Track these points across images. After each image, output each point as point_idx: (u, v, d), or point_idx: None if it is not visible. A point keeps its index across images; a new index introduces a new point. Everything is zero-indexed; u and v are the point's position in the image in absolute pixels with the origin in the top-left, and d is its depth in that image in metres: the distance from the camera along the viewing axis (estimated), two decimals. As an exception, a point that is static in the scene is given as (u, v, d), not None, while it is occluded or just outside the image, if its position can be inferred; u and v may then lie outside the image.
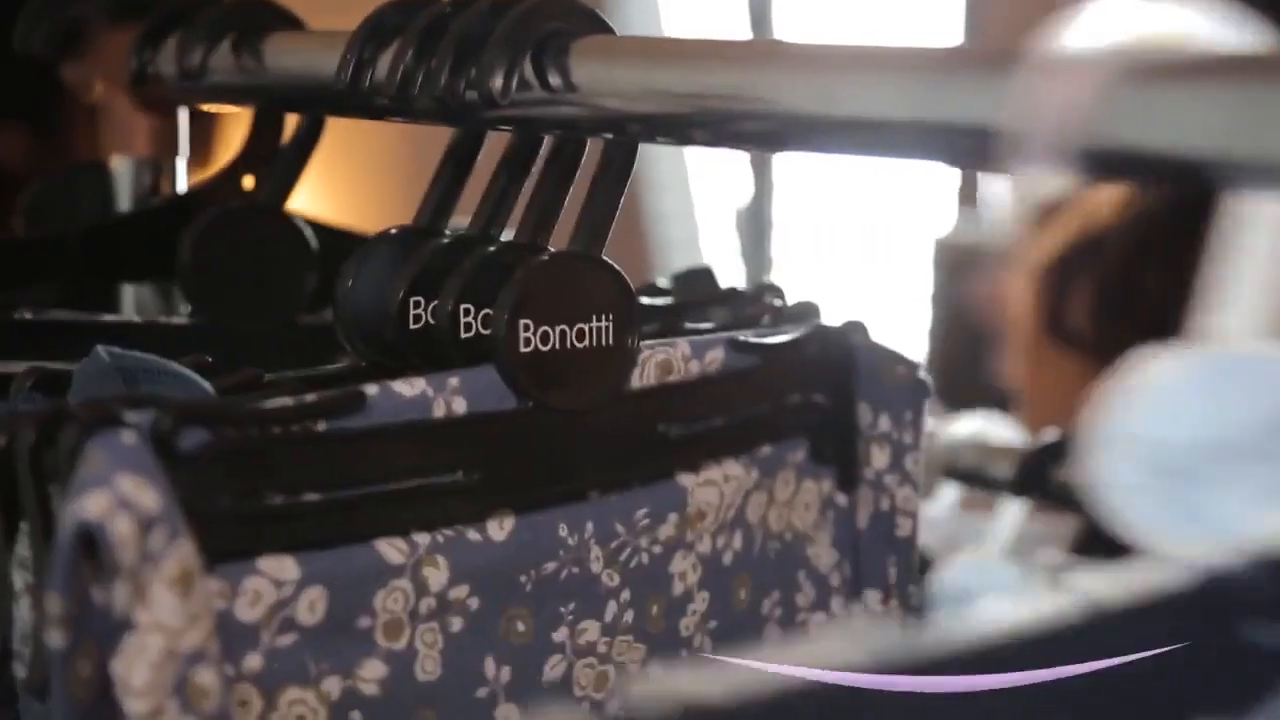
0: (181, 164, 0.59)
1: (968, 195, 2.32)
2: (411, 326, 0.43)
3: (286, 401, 0.37)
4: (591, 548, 0.43)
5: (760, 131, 0.38)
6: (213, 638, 0.34)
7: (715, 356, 0.46)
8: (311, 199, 0.59)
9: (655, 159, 2.12)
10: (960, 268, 1.77)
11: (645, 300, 0.53)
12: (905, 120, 0.35)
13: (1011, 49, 0.34)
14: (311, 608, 0.37)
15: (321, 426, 0.37)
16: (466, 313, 0.42)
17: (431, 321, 0.42)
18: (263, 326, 0.52)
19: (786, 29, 2.31)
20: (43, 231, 0.57)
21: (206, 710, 0.34)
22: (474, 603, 0.41)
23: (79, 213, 0.59)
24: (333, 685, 0.38)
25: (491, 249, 0.43)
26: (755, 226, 2.39)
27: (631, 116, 0.41)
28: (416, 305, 0.43)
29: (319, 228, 0.55)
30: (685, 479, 0.45)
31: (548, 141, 0.44)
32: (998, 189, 2.15)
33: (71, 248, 0.54)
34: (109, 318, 0.51)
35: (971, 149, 0.35)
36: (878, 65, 0.36)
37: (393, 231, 0.45)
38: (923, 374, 0.50)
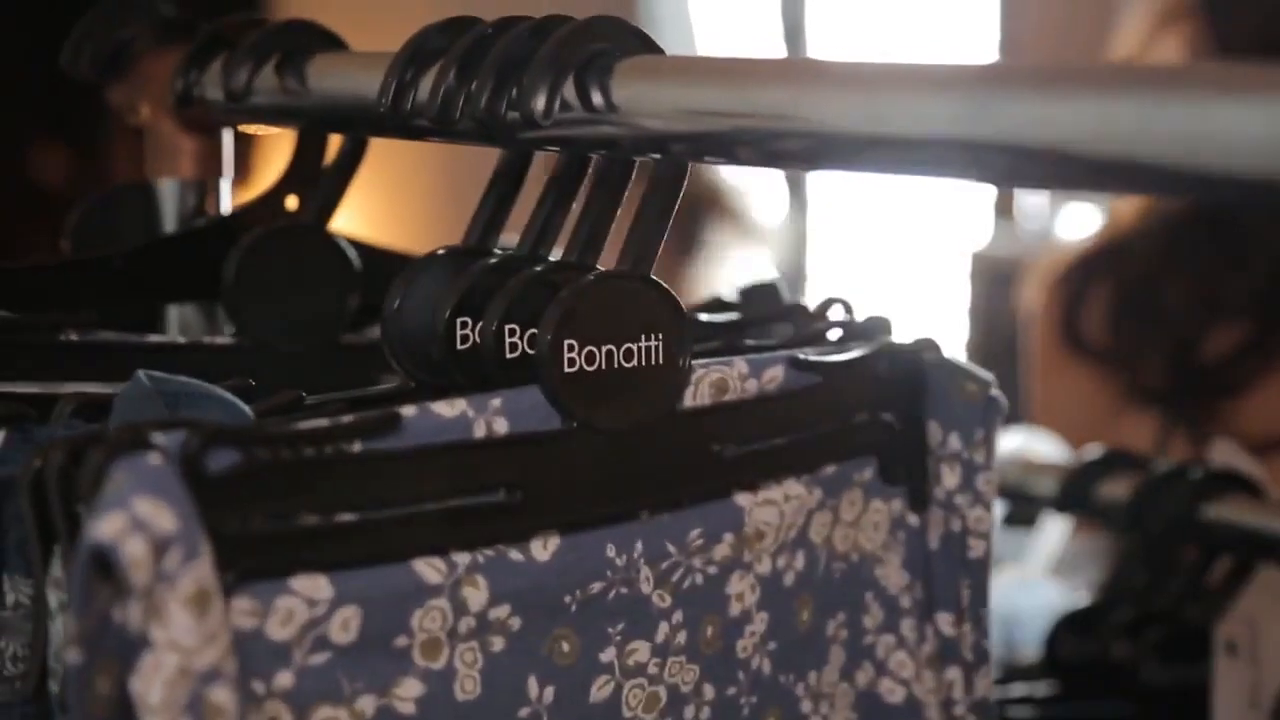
0: (226, 185, 0.60)
1: (1004, 208, 2.31)
2: (459, 347, 0.43)
3: (320, 422, 0.37)
4: (641, 568, 0.43)
5: (803, 150, 0.38)
6: (230, 657, 0.35)
7: (774, 375, 0.45)
8: (355, 219, 0.60)
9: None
10: (997, 281, 1.76)
11: (705, 317, 0.53)
12: (948, 139, 0.35)
13: (1049, 64, 0.34)
14: (345, 626, 0.37)
15: (357, 447, 0.37)
16: (512, 333, 0.42)
17: (478, 341, 0.42)
18: (306, 347, 0.53)
19: (820, 40, 2.30)
20: (89, 253, 0.58)
21: None
22: (516, 623, 0.40)
23: (124, 234, 0.59)
24: (367, 704, 0.38)
25: (538, 269, 0.43)
26: (792, 242, 2.38)
27: (673, 136, 0.41)
28: (464, 325, 0.43)
29: (362, 248, 0.55)
30: (742, 499, 0.45)
31: (596, 161, 0.44)
32: (1035, 201, 2.14)
33: (117, 269, 0.55)
34: (154, 339, 0.52)
35: (1014, 167, 0.35)
36: (920, 83, 0.36)
37: (440, 251, 0.45)
38: (995, 391, 0.49)
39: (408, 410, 0.39)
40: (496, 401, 0.40)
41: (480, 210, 0.46)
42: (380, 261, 0.55)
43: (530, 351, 0.42)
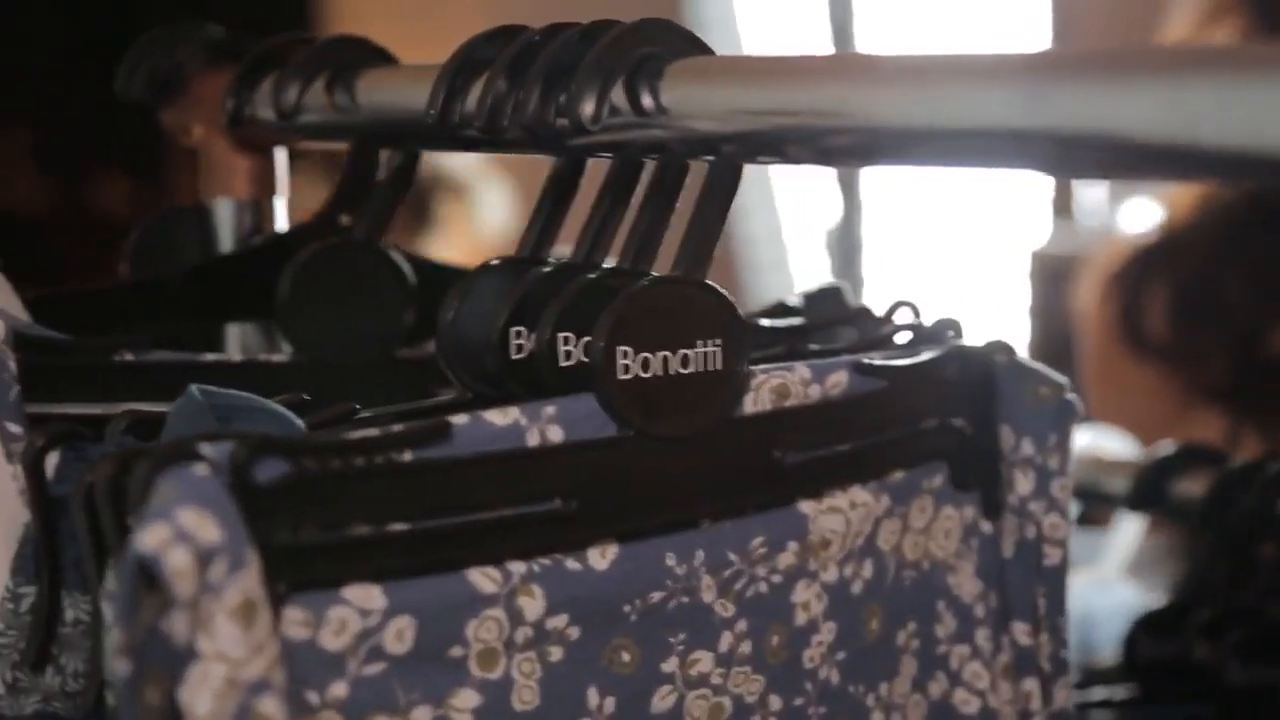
0: (280, 203, 0.60)
1: (1063, 205, 2.28)
2: (513, 356, 0.42)
3: (370, 432, 0.37)
4: (702, 577, 0.42)
5: (857, 146, 0.38)
6: (278, 667, 0.34)
7: (838, 380, 0.44)
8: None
9: (741, 182, 2.11)
10: (1058, 279, 1.74)
11: (768, 322, 0.53)
12: (1006, 128, 0.35)
13: (1107, 49, 0.33)
14: (400, 637, 0.37)
15: (408, 457, 0.37)
16: (566, 341, 0.41)
17: (533, 350, 0.42)
18: (362, 362, 0.53)
19: (868, 40, 2.29)
20: (146, 274, 0.58)
21: None
22: (574, 632, 0.40)
23: (181, 255, 0.59)
24: (423, 715, 0.38)
25: (591, 276, 0.42)
26: (846, 246, 2.37)
27: (725, 137, 0.40)
28: (518, 335, 0.42)
29: (416, 261, 0.55)
30: (806, 506, 0.44)
31: (649, 167, 0.43)
32: (1094, 197, 2.11)
33: (174, 289, 0.55)
34: (209, 357, 0.52)
35: (1073, 156, 0.34)
36: (975, 73, 0.35)
37: (495, 262, 0.45)
38: (1069, 395, 0.48)
39: (459, 419, 0.38)
40: (550, 409, 0.40)
41: (533, 220, 0.46)
42: (435, 275, 0.55)
43: (586, 360, 0.41)
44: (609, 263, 0.44)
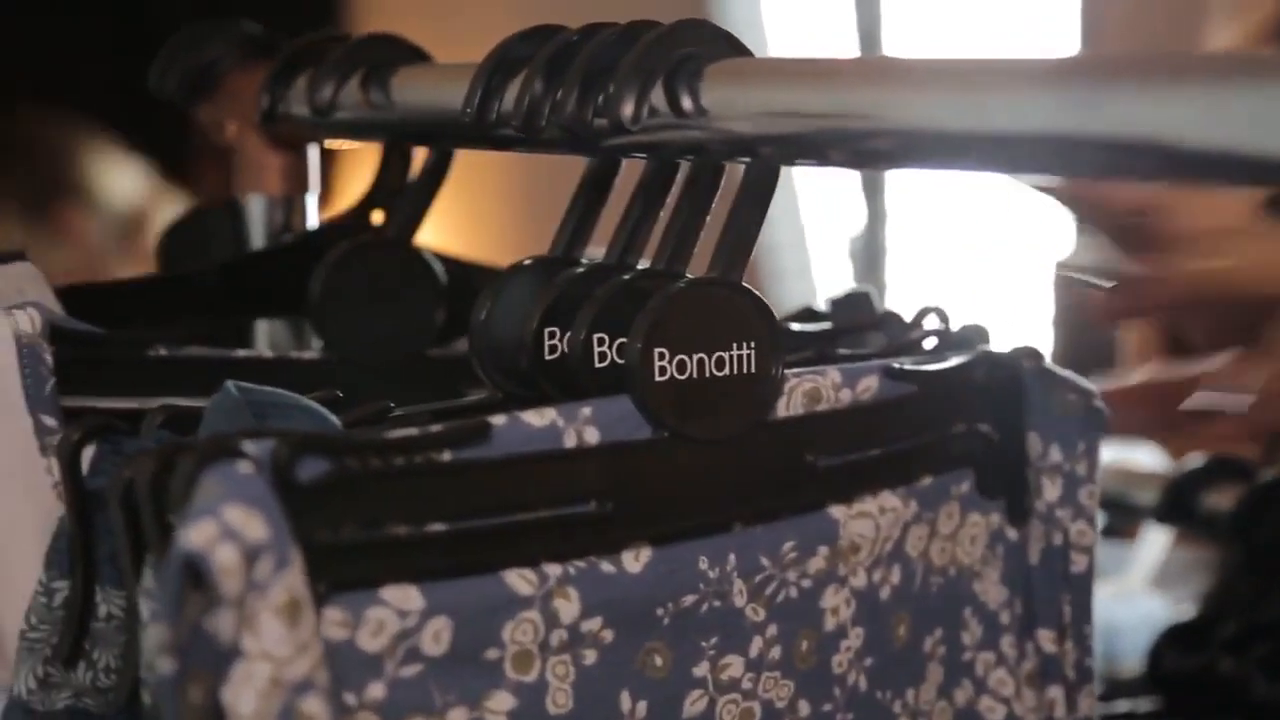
0: (312, 200, 0.60)
1: (1088, 217, 2.27)
2: (547, 357, 0.42)
3: (410, 432, 0.37)
4: (734, 581, 0.42)
5: (895, 149, 0.38)
6: (321, 667, 0.34)
7: (869, 385, 0.44)
8: (441, 233, 0.59)
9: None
10: (1083, 291, 1.73)
11: (797, 326, 0.52)
12: (1047, 134, 0.34)
13: (1149, 54, 0.33)
14: (437, 638, 0.37)
15: (447, 457, 0.37)
16: (601, 342, 0.41)
17: (566, 351, 0.42)
18: (393, 360, 0.53)
19: (896, 44, 2.29)
20: (178, 270, 0.58)
21: None
22: (608, 635, 0.40)
23: (213, 251, 0.60)
24: (459, 716, 0.38)
25: (626, 277, 0.42)
26: (869, 254, 2.37)
27: (762, 139, 0.40)
28: (552, 335, 0.42)
29: (447, 261, 0.55)
30: (837, 511, 0.44)
31: (685, 168, 0.43)
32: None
33: (206, 285, 0.55)
34: (241, 353, 0.52)
35: (1115, 161, 0.34)
36: (1016, 77, 0.35)
37: (528, 262, 0.45)
38: (1097, 402, 0.48)
39: (497, 419, 0.38)
40: (587, 410, 0.40)
41: (567, 220, 0.46)
42: (467, 274, 0.55)
43: (620, 361, 0.41)
44: (642, 264, 0.44)
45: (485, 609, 0.38)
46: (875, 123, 0.38)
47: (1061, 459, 0.48)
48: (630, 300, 0.41)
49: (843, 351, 0.50)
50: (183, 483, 0.34)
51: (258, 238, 0.59)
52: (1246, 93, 0.31)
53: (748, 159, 0.41)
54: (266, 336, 0.59)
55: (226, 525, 0.33)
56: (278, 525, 0.34)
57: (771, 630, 0.43)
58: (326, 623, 0.36)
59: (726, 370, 0.41)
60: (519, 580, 0.38)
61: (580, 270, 0.44)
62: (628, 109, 0.40)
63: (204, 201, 0.61)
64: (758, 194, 0.41)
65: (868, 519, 0.44)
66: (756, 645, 0.43)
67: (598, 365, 0.41)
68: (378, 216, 0.56)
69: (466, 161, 0.53)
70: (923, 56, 0.38)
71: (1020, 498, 0.48)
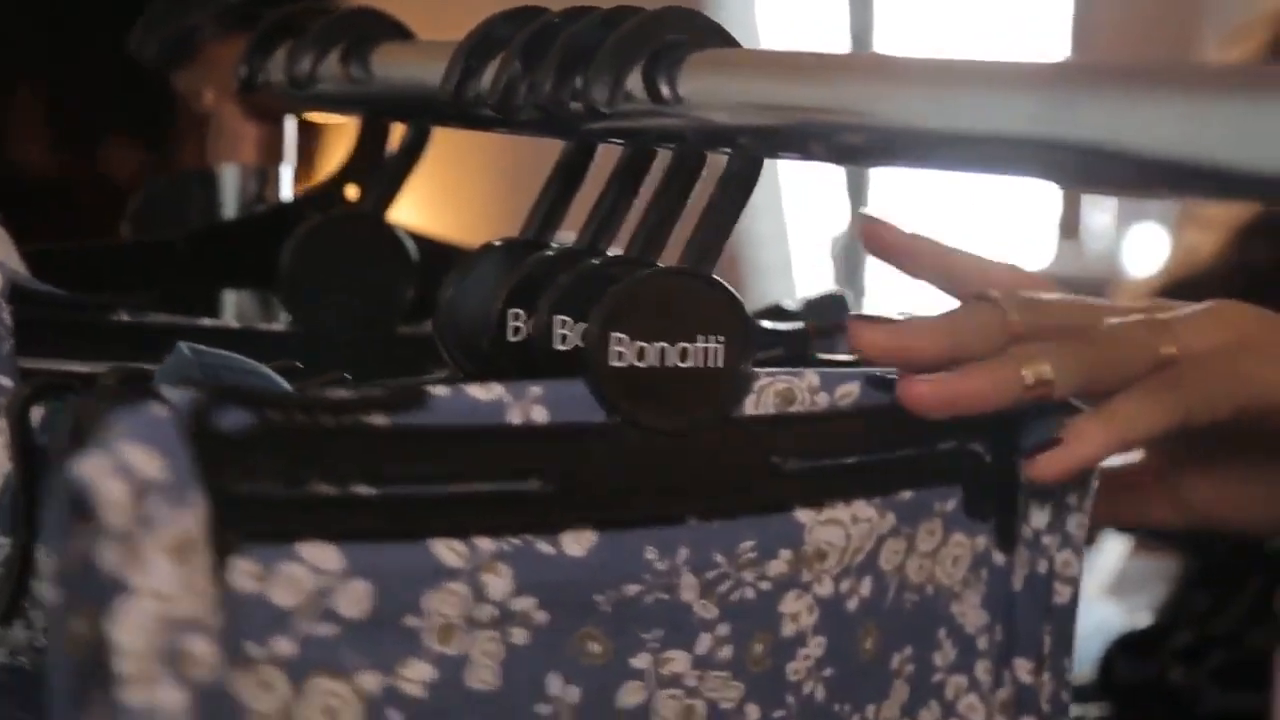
0: (288, 172, 0.60)
1: (1069, 228, 2.28)
2: (509, 338, 0.42)
3: (340, 393, 0.37)
4: (684, 575, 0.41)
5: (872, 145, 0.37)
6: (214, 610, 0.34)
7: (849, 391, 0.43)
8: (418, 212, 0.59)
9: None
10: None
11: (768, 324, 0.52)
12: (1025, 136, 0.34)
13: (1130, 63, 0.33)
14: (354, 600, 0.37)
15: (380, 420, 0.37)
16: (563, 325, 0.41)
17: (528, 333, 0.42)
18: (360, 336, 0.52)
19: (887, 39, 2.29)
20: (150, 237, 0.58)
21: (195, 679, 0.34)
22: (541, 616, 0.40)
23: (186, 219, 0.59)
24: (371, 681, 0.38)
25: (594, 262, 0.42)
26: (850, 254, 2.37)
27: (740, 130, 0.40)
28: (515, 317, 0.42)
29: (421, 240, 0.55)
30: (803, 515, 0.43)
31: (665, 156, 0.43)
32: (1101, 221, 2.11)
33: (177, 253, 0.55)
34: (206, 322, 0.52)
35: (1091, 168, 0.34)
36: (996, 79, 0.35)
37: (497, 243, 0.44)
38: None
39: (440, 390, 0.38)
40: (537, 390, 0.39)
41: (540, 203, 0.46)
42: (439, 254, 0.55)
43: (583, 345, 0.41)
44: (614, 251, 0.44)
45: (408, 576, 0.38)
46: (853, 118, 0.38)
47: (1051, 484, 0.46)
48: (596, 285, 0.41)
49: (821, 355, 0.50)
50: (90, 420, 0.34)
51: (230, 207, 0.59)
52: (1217, 105, 0.31)
53: (727, 149, 0.41)
54: (237, 307, 0.59)
55: (120, 460, 0.33)
56: (177, 467, 0.34)
57: (723, 629, 0.42)
58: (237, 572, 0.36)
59: (690, 362, 0.40)
60: (447, 551, 0.38)
61: (549, 253, 0.44)
62: (603, 93, 0.40)
63: (178, 170, 0.60)
64: (738, 186, 0.41)
65: (837, 526, 0.44)
66: (705, 642, 0.42)
67: (558, 348, 0.41)
68: (353, 191, 0.56)
69: (450, 142, 0.53)
70: (907, 54, 0.38)
71: (1009, 522, 0.47)
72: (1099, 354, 0.45)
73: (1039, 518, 0.47)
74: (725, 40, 0.41)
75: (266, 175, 0.59)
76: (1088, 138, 0.33)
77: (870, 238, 0.53)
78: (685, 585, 0.41)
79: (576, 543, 0.40)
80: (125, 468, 0.33)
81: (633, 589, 0.41)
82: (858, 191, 2.34)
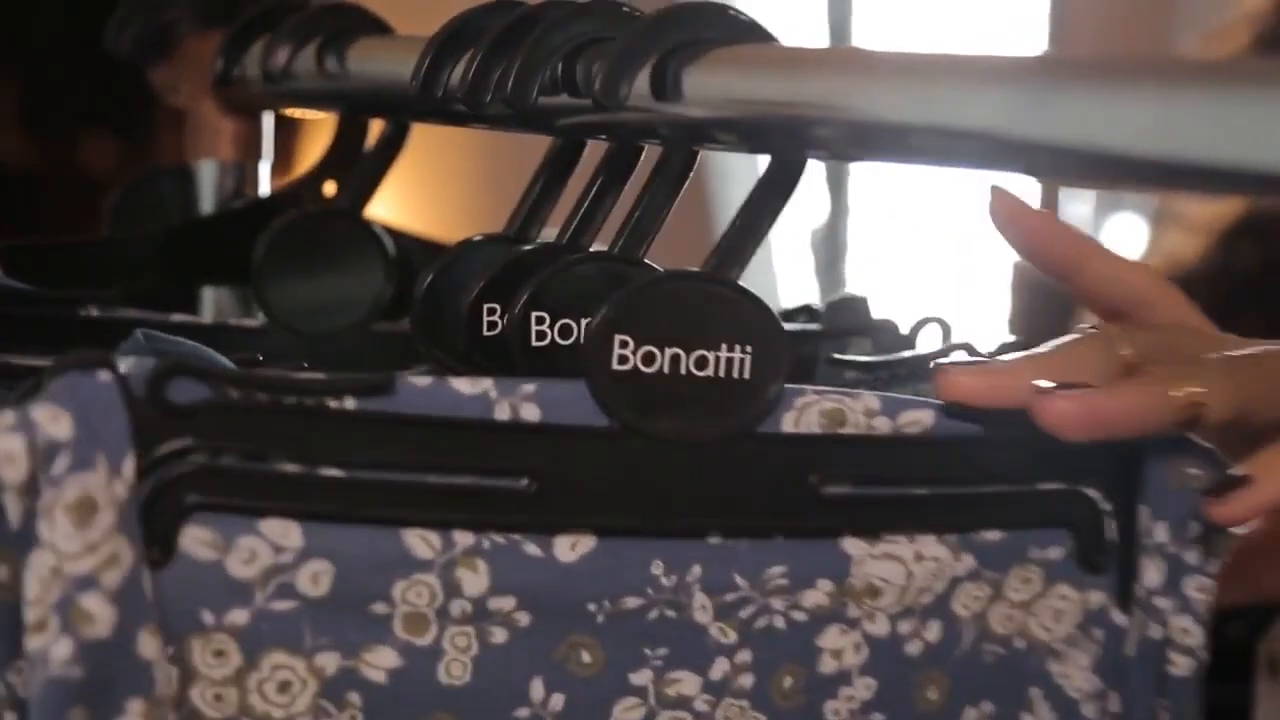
0: (265, 168, 0.60)
1: (1048, 219, 2.28)
2: (485, 333, 0.42)
3: (306, 375, 0.37)
4: (695, 594, 0.40)
5: (842, 139, 0.37)
6: (113, 569, 0.35)
7: (918, 418, 0.40)
8: (398, 208, 0.59)
9: (726, 176, 2.12)
10: (1039, 293, 1.75)
11: (790, 327, 0.50)
12: (999, 131, 0.34)
13: (1103, 58, 0.33)
14: (315, 580, 0.37)
15: (350, 404, 0.37)
16: (540, 320, 0.41)
17: (504, 328, 0.42)
18: (336, 332, 0.52)
19: (866, 35, 2.29)
20: (125, 232, 0.58)
21: (86, 635, 0.35)
22: (523, 618, 0.39)
23: (163, 215, 0.59)
24: (329, 661, 0.38)
25: (573, 257, 0.42)
26: (830, 247, 2.37)
27: (720, 124, 0.39)
28: (491, 311, 0.42)
29: (402, 237, 0.54)
30: (851, 545, 0.40)
31: (653, 152, 0.42)
32: (1078, 213, 2.12)
33: (152, 248, 0.54)
34: (176, 317, 0.52)
35: (1065, 162, 0.34)
36: (971, 74, 0.35)
37: (477, 238, 0.44)
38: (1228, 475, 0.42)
39: (420, 381, 0.38)
40: (529, 388, 0.39)
41: (524, 199, 0.46)
42: (418, 251, 0.55)
43: (561, 341, 0.41)
44: (597, 246, 0.44)
45: (374, 562, 0.38)
46: (828, 112, 0.37)
47: (1167, 539, 0.42)
48: (575, 281, 0.41)
49: (835, 356, 0.48)
50: (32, 386, 0.35)
51: (207, 203, 0.59)
52: (1188, 100, 0.31)
53: (709, 145, 0.40)
54: (214, 303, 0.58)
55: (27, 418, 0.34)
56: (93, 429, 0.35)
57: (744, 656, 0.41)
58: (192, 540, 0.37)
59: (709, 371, 0.38)
60: (418, 541, 0.38)
61: (526, 248, 0.43)
62: (574, 86, 0.40)
63: (156, 165, 0.60)
64: (775, 191, 0.39)
65: (895, 563, 0.41)
66: (720, 667, 0.41)
67: (534, 344, 0.41)
68: (330, 187, 0.55)
69: (429, 138, 0.53)
70: (884, 49, 0.38)
71: (1129, 579, 0.42)
72: (1252, 376, 0.41)
73: (1151, 576, 0.42)
74: (717, 33, 0.39)
75: (243, 171, 0.59)
76: (1055, 134, 0.33)
77: (997, 210, 0.47)
78: (697, 605, 0.40)
79: (571, 548, 0.39)
80: (29, 425, 0.34)
81: (633, 602, 0.40)
82: (837, 184, 2.34)
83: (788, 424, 0.40)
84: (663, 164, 0.42)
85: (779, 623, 0.41)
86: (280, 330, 0.52)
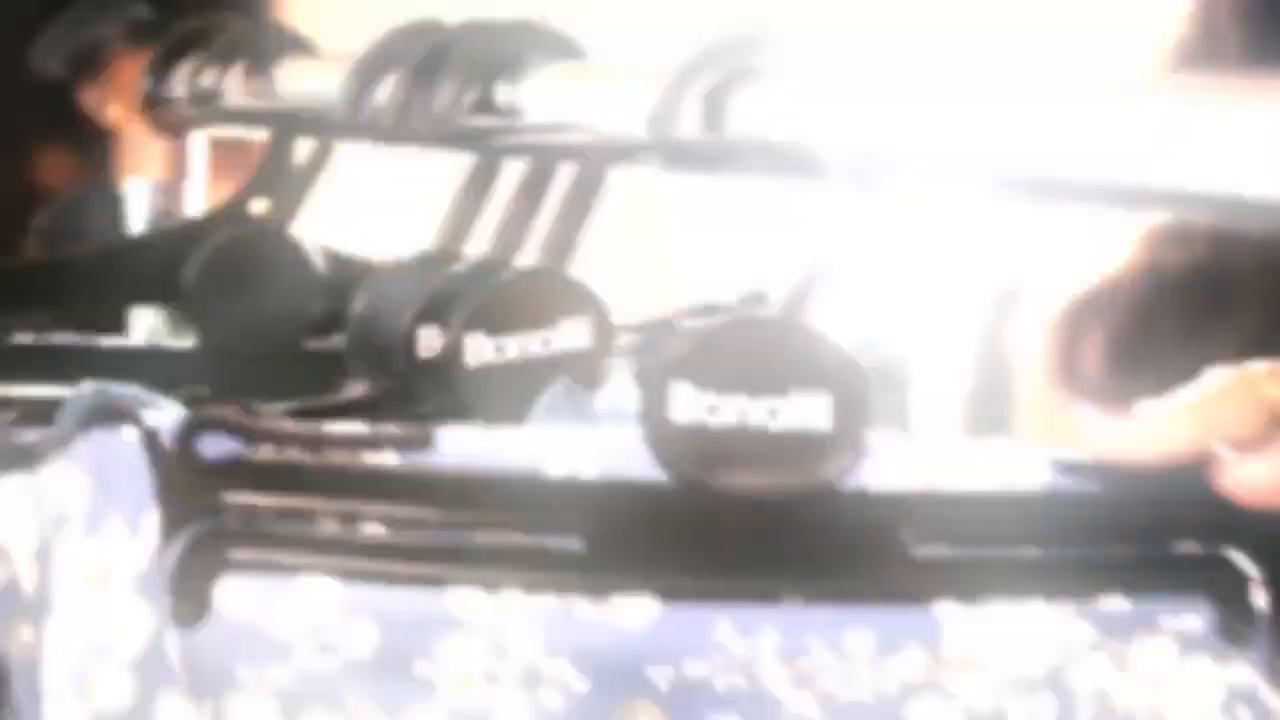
0: (197, 187, 0.59)
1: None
2: (421, 354, 0.42)
3: (347, 429, 0.36)
4: (768, 661, 0.37)
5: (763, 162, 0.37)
6: (133, 635, 0.35)
7: (1028, 473, 0.38)
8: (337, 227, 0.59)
9: (681, 202, 2.12)
10: (1004, 310, 1.75)
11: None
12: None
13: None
14: (357, 640, 0.36)
15: (390, 459, 0.36)
16: (478, 341, 0.41)
17: (441, 349, 0.41)
18: (268, 352, 0.52)
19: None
20: (55, 253, 0.57)
21: (104, 706, 0.35)
22: (580, 683, 0.37)
23: (92, 235, 0.59)
24: None
25: (506, 276, 0.42)
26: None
27: (640, 145, 0.40)
28: (429, 334, 0.42)
29: (328, 253, 0.54)
30: (945, 610, 0.38)
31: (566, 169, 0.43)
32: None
33: (81, 269, 0.54)
34: (108, 342, 0.51)
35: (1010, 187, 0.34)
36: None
37: (407, 258, 0.44)
38: None
39: (466, 434, 0.37)
40: (583, 442, 0.37)
41: (449, 218, 0.46)
42: (348, 268, 0.54)
43: (496, 361, 0.41)
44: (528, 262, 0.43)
45: (419, 623, 0.36)
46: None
47: None
48: (510, 298, 0.41)
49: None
50: (56, 440, 0.35)
51: (137, 223, 0.58)
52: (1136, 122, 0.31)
53: (632, 164, 0.41)
54: (144, 325, 0.58)
55: (39, 483, 0.35)
56: (108, 490, 0.35)
57: None
58: (228, 598, 0.36)
59: (783, 421, 0.35)
60: (464, 602, 0.37)
61: (459, 268, 0.43)
62: (493, 107, 0.40)
63: (83, 185, 0.59)
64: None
65: (997, 631, 0.38)
66: None
67: (473, 365, 0.40)
68: (259, 206, 0.55)
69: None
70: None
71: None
72: None
73: None
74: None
75: (173, 190, 0.58)
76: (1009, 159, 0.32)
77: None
78: (771, 673, 0.38)
79: (629, 610, 0.37)
80: (40, 490, 0.34)
81: (698, 668, 0.37)
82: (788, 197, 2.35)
83: (873, 476, 0.37)
84: (573, 182, 0.42)
85: (865, 694, 0.38)
86: (212, 351, 0.51)
